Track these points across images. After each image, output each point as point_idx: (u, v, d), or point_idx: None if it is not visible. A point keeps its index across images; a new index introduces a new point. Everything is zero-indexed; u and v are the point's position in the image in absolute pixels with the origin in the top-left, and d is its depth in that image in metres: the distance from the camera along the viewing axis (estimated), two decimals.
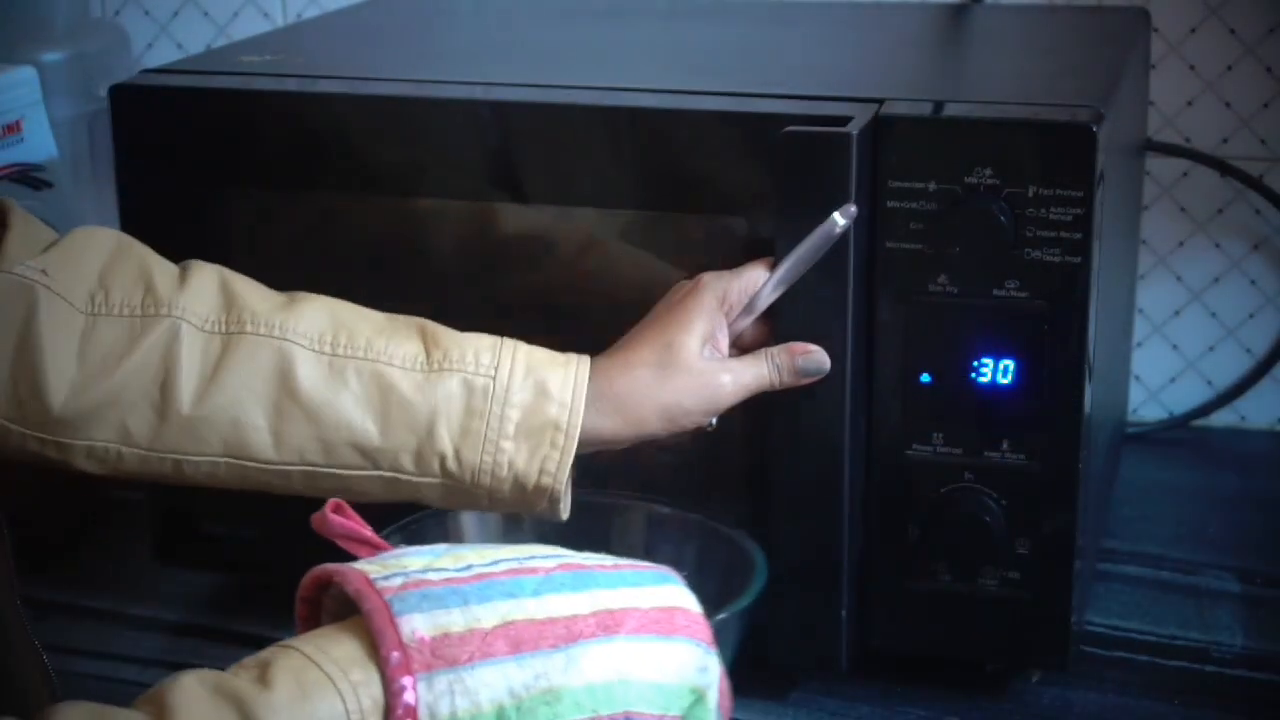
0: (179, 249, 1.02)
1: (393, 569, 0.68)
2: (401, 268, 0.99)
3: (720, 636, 0.80)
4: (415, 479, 0.85)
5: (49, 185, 1.27)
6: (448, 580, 0.68)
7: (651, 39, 1.16)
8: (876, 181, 0.87)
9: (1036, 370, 0.88)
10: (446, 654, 0.64)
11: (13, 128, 1.23)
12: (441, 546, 0.72)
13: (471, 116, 0.95)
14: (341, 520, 0.75)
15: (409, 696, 0.63)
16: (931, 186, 0.87)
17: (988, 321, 0.88)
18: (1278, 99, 1.27)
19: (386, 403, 0.84)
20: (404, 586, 0.66)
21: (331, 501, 0.76)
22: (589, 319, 0.96)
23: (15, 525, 0.84)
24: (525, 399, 0.85)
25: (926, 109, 0.89)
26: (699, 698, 0.71)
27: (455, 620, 0.66)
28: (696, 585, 0.87)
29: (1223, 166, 1.27)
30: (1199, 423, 1.33)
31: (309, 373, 0.85)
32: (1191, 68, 1.27)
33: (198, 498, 0.92)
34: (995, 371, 0.88)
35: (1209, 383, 1.33)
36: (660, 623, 0.70)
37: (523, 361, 0.86)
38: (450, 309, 0.93)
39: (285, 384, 0.84)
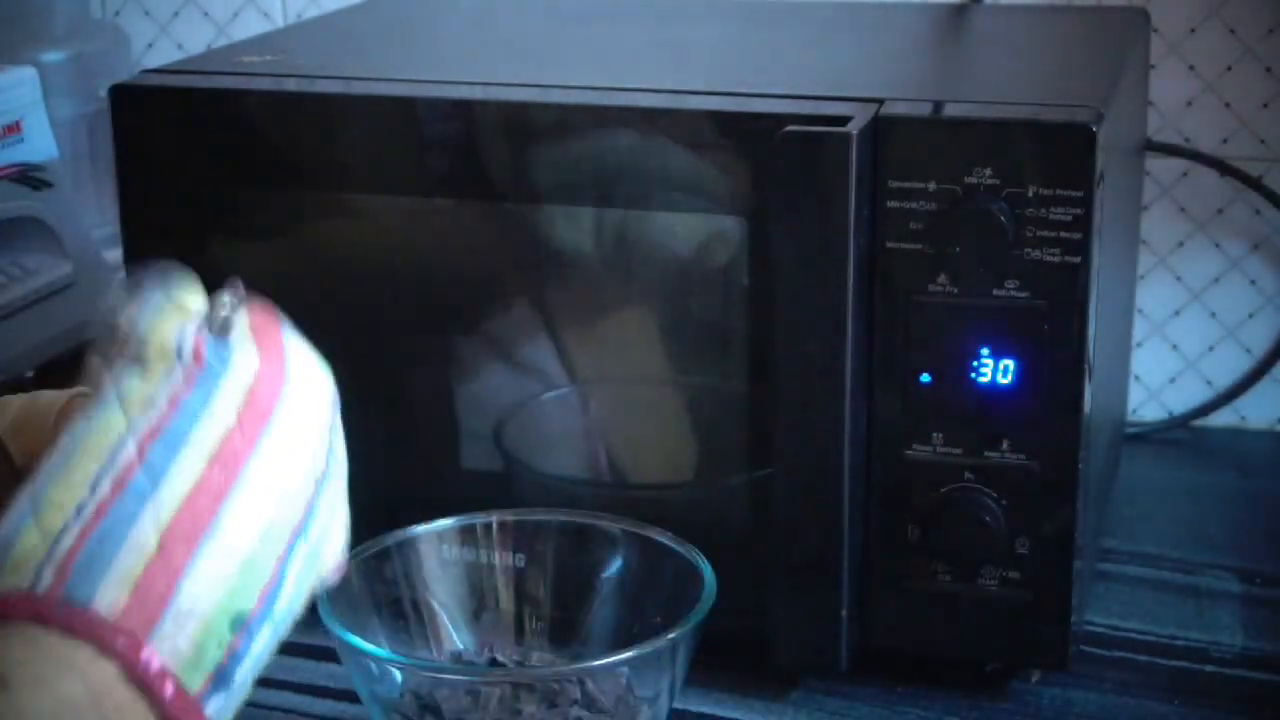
0: (179, 249, 1.02)
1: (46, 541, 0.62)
2: (401, 268, 0.99)
3: (673, 653, 0.82)
4: None
5: (49, 185, 1.28)
6: (83, 533, 0.62)
7: (650, 39, 1.16)
8: (876, 181, 0.87)
9: (1036, 370, 0.88)
10: (151, 600, 0.61)
11: (13, 128, 1.24)
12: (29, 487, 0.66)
13: (472, 117, 0.95)
14: None
15: (154, 664, 0.59)
16: (931, 186, 0.87)
17: (988, 321, 0.88)
18: (1278, 99, 1.27)
19: None
20: (64, 563, 0.61)
21: None
22: (587, 319, 0.97)
23: None
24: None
25: (926, 109, 0.89)
26: None
27: (132, 565, 0.61)
28: (644, 600, 0.87)
29: (1222, 167, 1.27)
30: (1199, 423, 1.33)
31: None
32: (1191, 68, 1.27)
33: None
34: (995, 371, 0.88)
35: (1209, 383, 1.33)
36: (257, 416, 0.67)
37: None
38: (448, 310, 0.93)
39: None
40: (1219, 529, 1.16)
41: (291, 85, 1.01)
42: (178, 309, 0.71)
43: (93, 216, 1.37)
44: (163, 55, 1.48)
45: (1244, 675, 0.99)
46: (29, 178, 1.26)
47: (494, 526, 0.93)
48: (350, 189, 0.99)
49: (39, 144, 1.27)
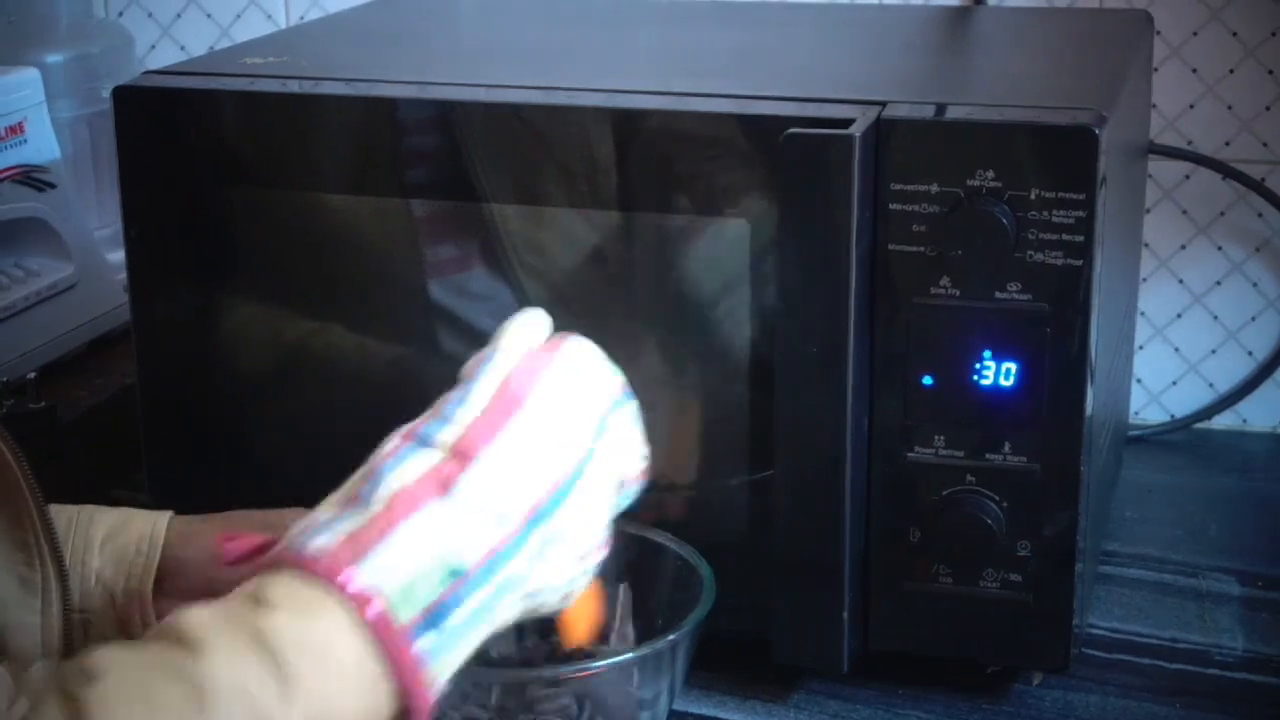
0: (181, 251, 1.02)
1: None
2: (403, 270, 0.99)
3: (673, 655, 0.82)
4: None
5: (52, 186, 1.28)
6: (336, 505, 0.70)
7: (654, 41, 1.16)
8: (879, 184, 0.87)
9: (1038, 373, 0.88)
10: (362, 544, 0.67)
11: (15, 129, 1.24)
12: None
13: (474, 118, 0.95)
14: (236, 545, 0.80)
15: (354, 584, 0.65)
16: (934, 189, 0.87)
17: (990, 324, 0.88)
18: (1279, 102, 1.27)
19: None
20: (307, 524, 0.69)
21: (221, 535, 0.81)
22: (588, 321, 0.97)
23: None
24: (110, 522, 0.88)
25: (929, 111, 0.89)
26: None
27: (356, 522, 0.68)
28: (643, 601, 0.88)
29: (1224, 169, 1.27)
30: (1200, 425, 1.33)
31: None
32: (1193, 70, 1.27)
33: (199, 501, 0.92)
34: (997, 374, 0.88)
35: (1210, 385, 1.33)
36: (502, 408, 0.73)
37: (108, 508, 0.90)
38: (451, 312, 0.93)
39: None
40: (1220, 532, 1.16)
41: (295, 87, 1.01)
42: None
43: (95, 217, 1.37)
44: (165, 57, 1.48)
45: (1245, 678, 0.99)
46: (31, 179, 1.26)
47: None
48: (353, 190, 0.99)
49: (41, 145, 1.27)
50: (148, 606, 0.87)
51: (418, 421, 0.73)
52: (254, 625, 0.63)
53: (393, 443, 0.72)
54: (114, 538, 0.88)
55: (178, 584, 0.88)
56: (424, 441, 0.72)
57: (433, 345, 0.99)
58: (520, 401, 0.73)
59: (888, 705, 0.96)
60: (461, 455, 0.71)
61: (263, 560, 0.69)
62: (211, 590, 0.83)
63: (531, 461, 0.72)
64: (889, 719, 0.95)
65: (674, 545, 0.91)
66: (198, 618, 0.63)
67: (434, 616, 0.67)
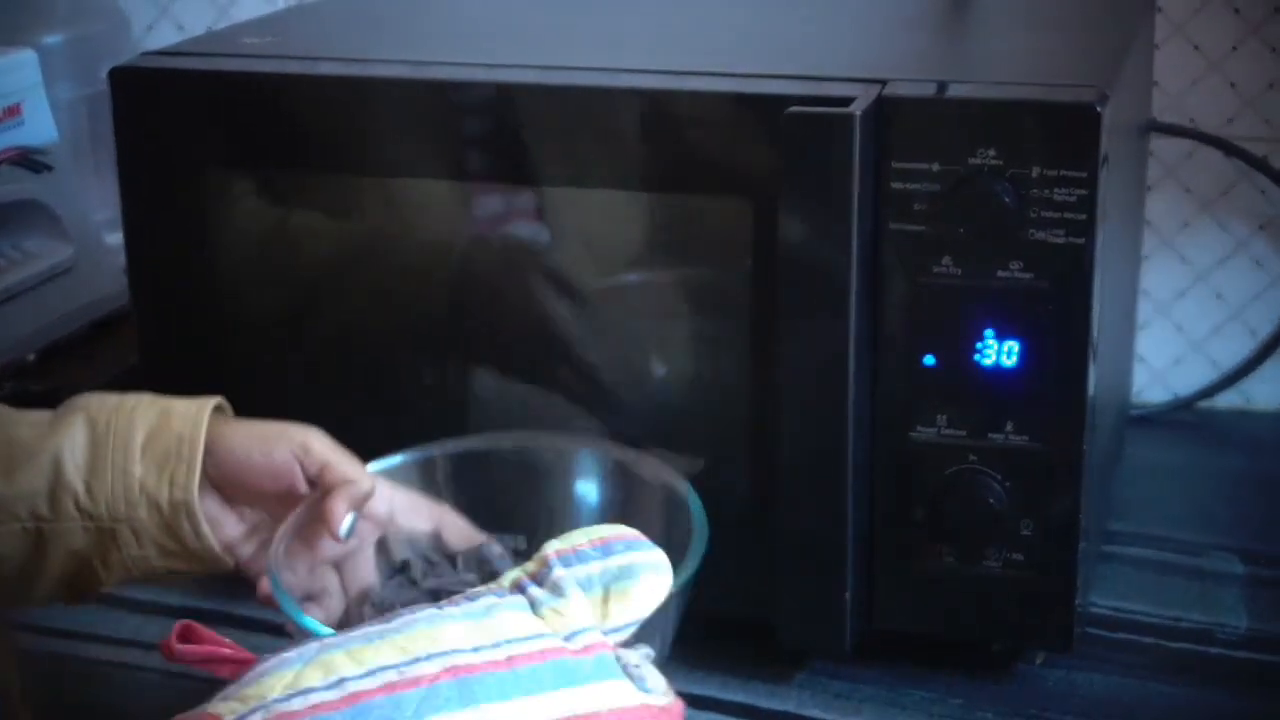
0: (179, 231, 1.01)
1: (250, 702, 0.63)
2: (403, 251, 0.99)
3: (661, 616, 0.76)
4: (56, 525, 0.84)
5: (49, 168, 1.28)
6: (313, 708, 0.62)
7: (654, 20, 1.15)
8: (880, 162, 0.87)
9: (1040, 352, 0.87)
10: None
11: (13, 110, 1.23)
12: (313, 647, 0.67)
13: (474, 99, 0.95)
14: (189, 648, 0.71)
15: None
16: (935, 167, 0.87)
17: (992, 303, 0.87)
18: None
19: (10, 454, 0.83)
20: None
21: (177, 627, 0.73)
22: (591, 300, 0.96)
23: None
24: (150, 421, 0.85)
25: (930, 89, 0.89)
26: None
27: None
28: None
29: (1227, 147, 1.27)
30: (1203, 404, 1.32)
31: None
32: (1196, 48, 1.27)
33: None
34: (999, 353, 0.88)
35: (1214, 364, 1.32)
36: None
37: (148, 397, 0.86)
38: (451, 291, 0.93)
39: None
40: (1224, 511, 1.16)
41: (293, 67, 1.01)
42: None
43: (93, 200, 1.37)
44: (163, 37, 1.48)
45: (1248, 657, 0.99)
46: (29, 160, 1.25)
47: (446, 459, 0.92)
48: (353, 171, 0.98)
49: (39, 127, 1.26)
50: (196, 516, 0.84)
51: (472, 652, 0.66)
52: None
53: (428, 664, 0.65)
54: (153, 441, 0.85)
55: (224, 486, 0.86)
56: (464, 699, 0.64)
57: (430, 329, 0.99)
58: None
59: (891, 685, 0.96)
60: None
61: None
62: (259, 491, 0.83)
63: None
64: (893, 699, 0.95)
65: (662, 480, 0.88)
66: None
67: None
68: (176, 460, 0.84)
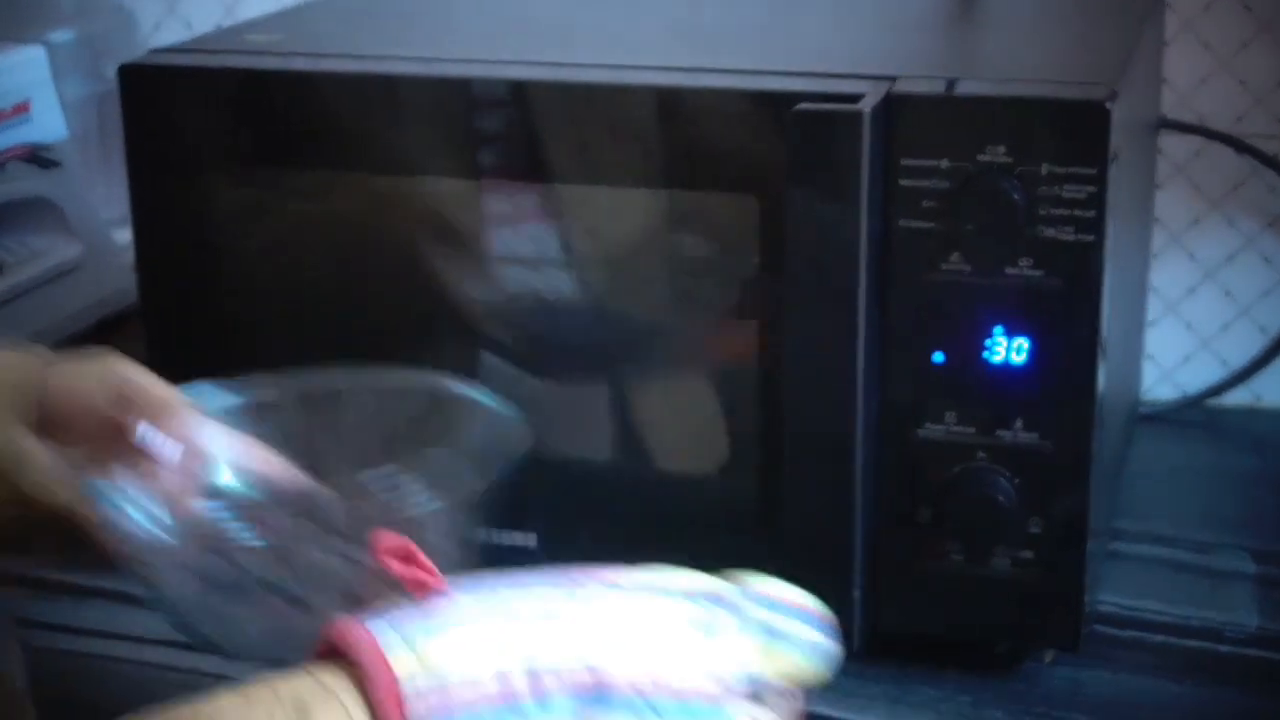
0: (188, 229, 1.01)
1: (432, 672, 0.62)
2: (412, 248, 0.99)
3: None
4: None
5: (57, 165, 1.28)
6: (486, 699, 0.62)
7: (664, 17, 1.15)
8: (889, 159, 0.87)
9: (1050, 349, 0.87)
10: None
11: (21, 107, 1.23)
12: (494, 605, 0.66)
13: (485, 95, 0.95)
14: (404, 568, 0.69)
15: None
16: (944, 164, 0.86)
17: (1000, 300, 0.87)
18: None
19: None
20: (435, 708, 0.61)
21: (395, 541, 0.70)
22: (598, 298, 0.96)
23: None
24: None
25: (939, 86, 0.88)
26: None
27: None
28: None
29: (1237, 144, 1.27)
30: (1213, 402, 1.32)
31: None
32: (1206, 45, 1.27)
33: None
34: (1008, 350, 0.88)
35: (1223, 362, 1.32)
36: None
37: None
38: (458, 288, 0.93)
39: None
40: (1233, 509, 1.16)
41: (302, 64, 1.01)
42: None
43: (101, 197, 1.37)
44: (171, 35, 1.48)
45: (1259, 655, 0.98)
46: (38, 158, 1.25)
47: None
48: (364, 168, 0.98)
49: (47, 124, 1.26)
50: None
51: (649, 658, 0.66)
52: None
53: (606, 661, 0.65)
54: None
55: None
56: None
57: (441, 327, 0.99)
58: None
59: (899, 683, 0.96)
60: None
61: (367, 678, 0.62)
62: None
63: None
64: (899, 696, 0.95)
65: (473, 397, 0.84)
66: None
67: None
68: None
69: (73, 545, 0.81)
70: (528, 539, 0.91)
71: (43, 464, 0.83)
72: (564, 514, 0.96)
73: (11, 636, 0.85)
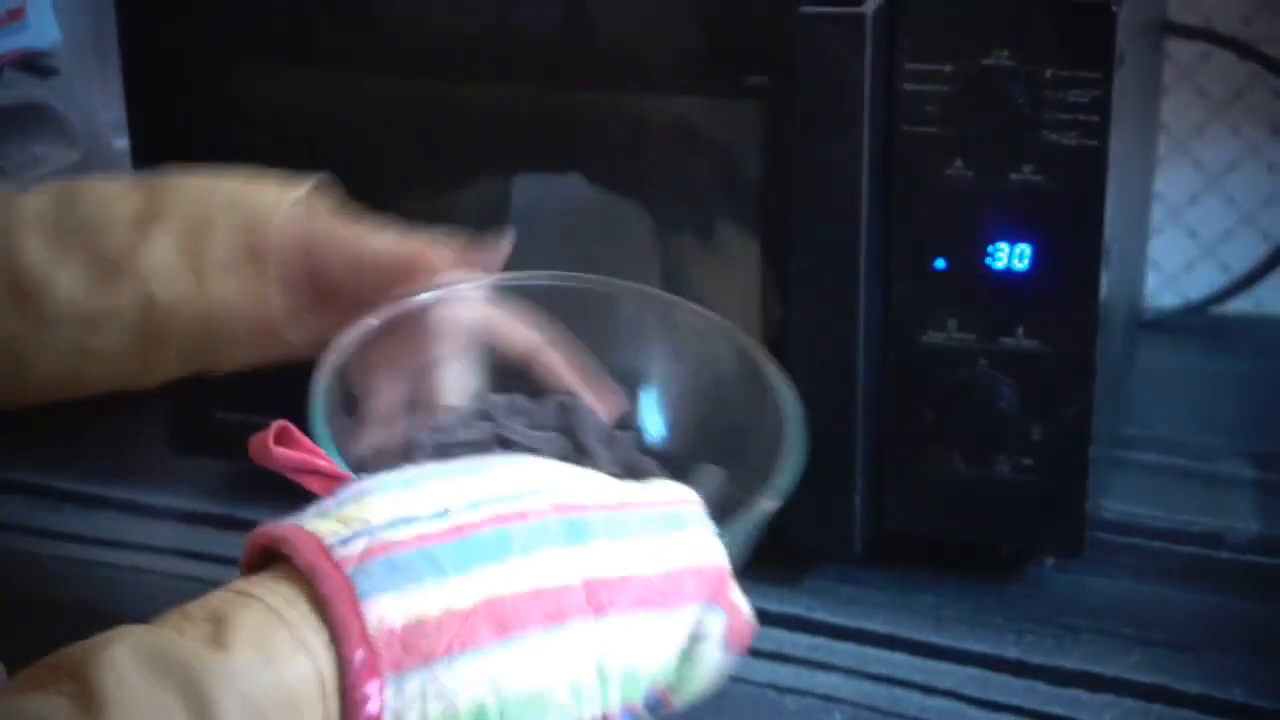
0: (186, 128, 1.01)
1: (353, 524, 0.58)
2: (409, 148, 0.98)
3: (737, 537, 0.72)
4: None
5: (54, 71, 1.27)
6: (419, 538, 0.58)
7: None
8: (892, 64, 0.86)
9: (1052, 255, 0.87)
10: (420, 646, 0.56)
11: (16, 13, 1.22)
12: (412, 472, 0.62)
13: None
14: (285, 453, 0.64)
15: (373, 706, 0.55)
16: (947, 68, 0.86)
17: (1003, 206, 0.87)
18: None
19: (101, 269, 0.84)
20: (367, 553, 0.57)
21: (275, 426, 0.65)
22: (600, 205, 0.96)
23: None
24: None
25: None
26: (686, 656, 0.63)
27: (430, 601, 0.56)
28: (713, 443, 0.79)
29: (1243, 49, 1.25)
30: (1215, 309, 1.32)
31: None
32: None
33: (210, 385, 0.92)
34: (1011, 256, 0.88)
35: (1225, 269, 1.32)
36: (664, 594, 0.62)
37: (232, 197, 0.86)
38: (454, 195, 0.92)
39: None
40: (1235, 415, 1.16)
41: None
42: None
43: (99, 102, 1.36)
44: None
45: (1258, 560, 0.99)
46: (34, 64, 1.24)
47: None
48: (364, 64, 0.97)
49: (43, 28, 1.25)
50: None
51: (581, 488, 0.63)
52: (191, 676, 0.53)
53: (534, 498, 0.61)
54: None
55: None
56: (572, 537, 0.60)
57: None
58: (677, 602, 0.63)
59: (901, 589, 0.96)
60: (600, 600, 0.60)
61: (291, 547, 0.57)
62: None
63: (623, 671, 0.61)
64: (902, 603, 0.95)
65: (765, 364, 0.79)
66: (113, 670, 0.52)
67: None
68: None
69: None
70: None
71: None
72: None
73: None
